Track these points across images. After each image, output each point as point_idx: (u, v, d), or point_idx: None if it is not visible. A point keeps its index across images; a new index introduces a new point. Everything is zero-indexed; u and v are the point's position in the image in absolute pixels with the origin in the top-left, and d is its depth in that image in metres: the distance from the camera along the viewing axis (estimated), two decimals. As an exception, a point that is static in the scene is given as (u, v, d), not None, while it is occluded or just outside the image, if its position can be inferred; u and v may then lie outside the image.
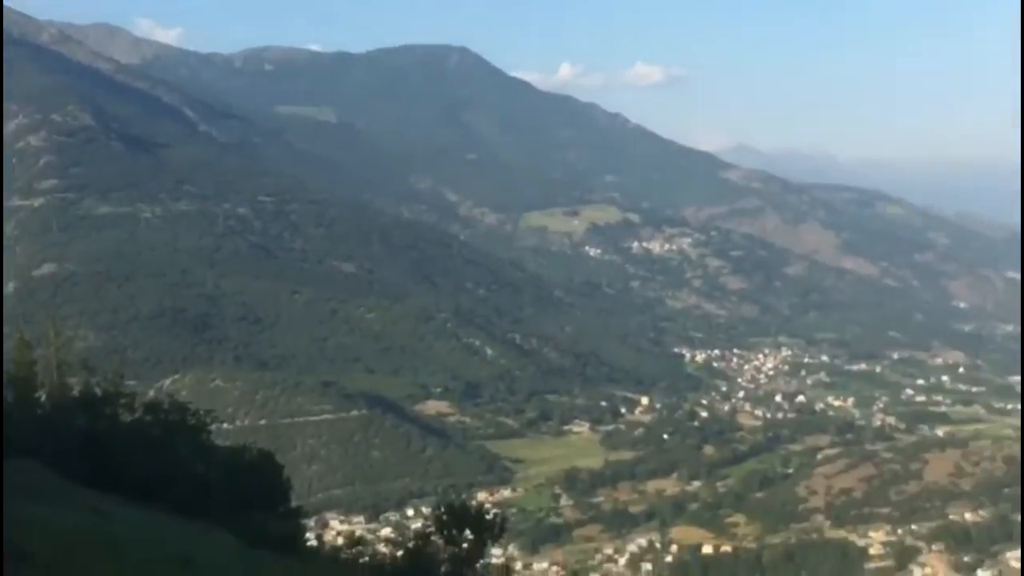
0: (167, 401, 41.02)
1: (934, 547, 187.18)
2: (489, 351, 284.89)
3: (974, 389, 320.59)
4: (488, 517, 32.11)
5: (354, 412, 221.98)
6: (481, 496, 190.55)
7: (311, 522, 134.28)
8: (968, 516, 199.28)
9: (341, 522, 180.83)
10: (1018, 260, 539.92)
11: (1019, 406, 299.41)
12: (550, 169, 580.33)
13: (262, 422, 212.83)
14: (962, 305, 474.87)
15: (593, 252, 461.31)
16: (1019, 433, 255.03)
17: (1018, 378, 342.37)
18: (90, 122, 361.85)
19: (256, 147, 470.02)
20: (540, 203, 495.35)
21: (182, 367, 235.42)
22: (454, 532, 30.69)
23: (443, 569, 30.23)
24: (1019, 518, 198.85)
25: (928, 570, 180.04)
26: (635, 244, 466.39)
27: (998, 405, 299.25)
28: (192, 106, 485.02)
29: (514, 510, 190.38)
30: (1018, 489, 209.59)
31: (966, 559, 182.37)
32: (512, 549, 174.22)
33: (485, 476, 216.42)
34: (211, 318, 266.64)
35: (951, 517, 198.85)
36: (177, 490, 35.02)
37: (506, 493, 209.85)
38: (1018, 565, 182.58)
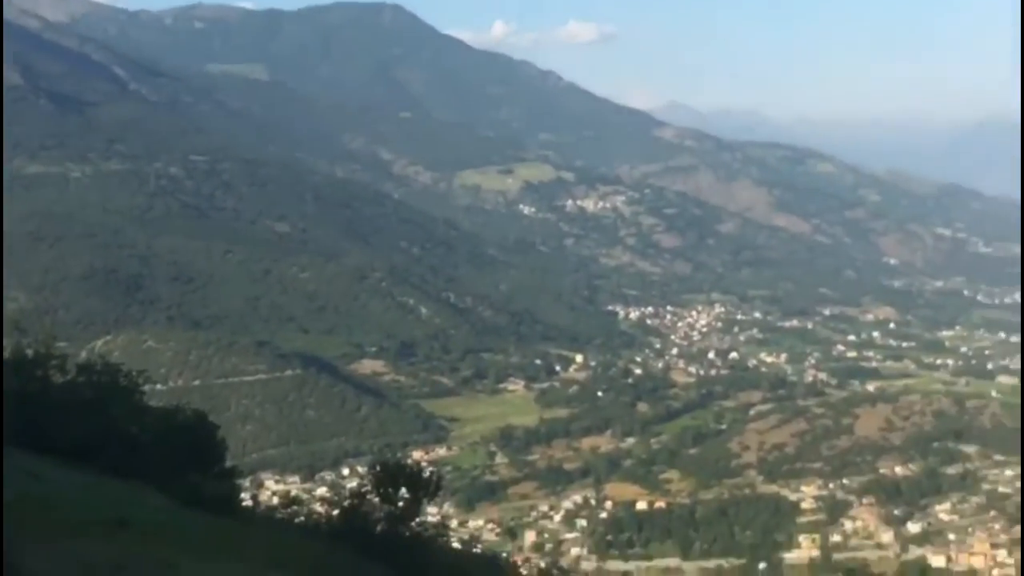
0: (99, 362, 40.67)
1: (865, 501, 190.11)
2: (424, 310, 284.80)
3: (904, 344, 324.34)
4: (424, 475, 32.20)
5: (288, 372, 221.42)
6: (416, 455, 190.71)
7: (246, 482, 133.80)
8: (898, 470, 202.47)
9: (276, 482, 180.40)
10: (947, 216, 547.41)
11: (949, 360, 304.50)
12: (484, 127, 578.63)
13: (196, 382, 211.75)
14: (892, 261, 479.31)
15: (527, 210, 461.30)
16: (948, 387, 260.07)
17: (947, 332, 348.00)
18: (19, 81, 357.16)
19: (187, 106, 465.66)
20: (474, 161, 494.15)
21: (114, 328, 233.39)
22: (390, 491, 30.72)
23: (379, 527, 30.29)
24: (950, 471, 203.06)
25: (859, 523, 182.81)
26: (569, 202, 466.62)
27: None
28: (122, 64, 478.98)
29: (449, 468, 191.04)
30: (947, 443, 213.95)
31: (896, 512, 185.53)
32: (448, 507, 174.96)
33: (420, 435, 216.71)
34: (143, 278, 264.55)
35: (881, 471, 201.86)
36: (111, 452, 34.84)
37: (441, 451, 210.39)
38: (947, 517, 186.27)
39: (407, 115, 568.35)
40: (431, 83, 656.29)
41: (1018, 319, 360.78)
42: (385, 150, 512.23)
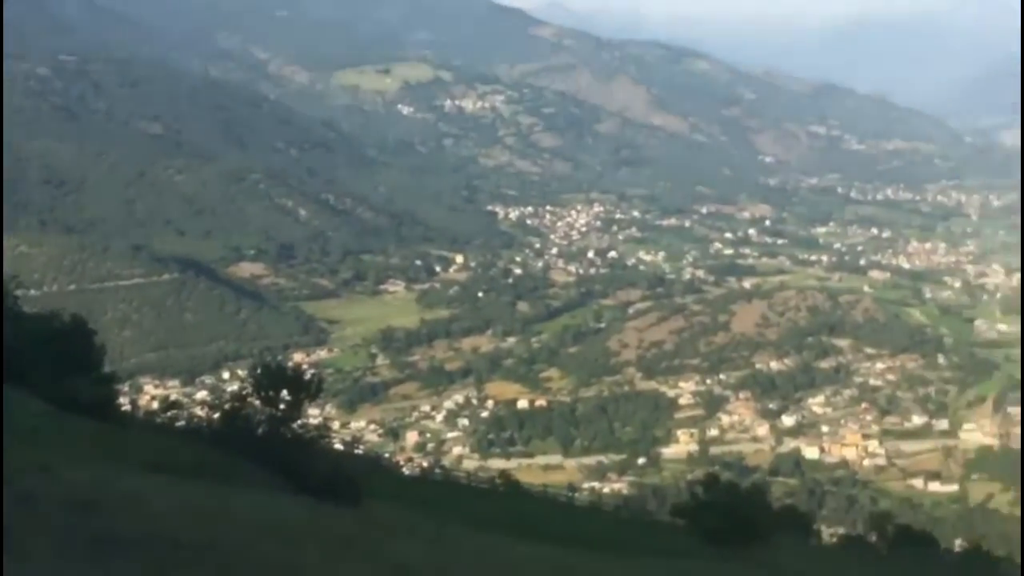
0: (-30, 268, 39.95)
1: (741, 395, 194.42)
2: (302, 212, 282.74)
3: (779, 241, 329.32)
4: (304, 378, 32.13)
5: (166, 276, 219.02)
6: (297, 357, 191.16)
7: (125, 387, 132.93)
8: (773, 365, 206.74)
9: (156, 386, 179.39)
10: (822, 114, 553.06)
11: (823, 256, 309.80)
12: (360, 26, 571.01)
13: (71, 287, 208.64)
14: (768, 159, 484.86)
15: (406, 111, 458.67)
16: (822, 283, 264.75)
17: (821, 229, 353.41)
18: None
19: (54, 3, 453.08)
20: (351, 61, 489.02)
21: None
22: (271, 393, 30.63)
23: (260, 430, 30.23)
24: (823, 365, 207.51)
25: (735, 417, 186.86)
26: (448, 102, 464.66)
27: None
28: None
29: (330, 370, 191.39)
30: (821, 337, 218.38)
31: (771, 406, 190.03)
32: (329, 409, 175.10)
33: (301, 337, 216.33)
34: (14, 182, 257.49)
35: (757, 366, 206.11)
36: (-17, 359, 34.30)
37: (322, 354, 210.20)
38: (820, 410, 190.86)
39: (283, 13, 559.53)
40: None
41: (890, 215, 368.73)
42: (260, 49, 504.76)
